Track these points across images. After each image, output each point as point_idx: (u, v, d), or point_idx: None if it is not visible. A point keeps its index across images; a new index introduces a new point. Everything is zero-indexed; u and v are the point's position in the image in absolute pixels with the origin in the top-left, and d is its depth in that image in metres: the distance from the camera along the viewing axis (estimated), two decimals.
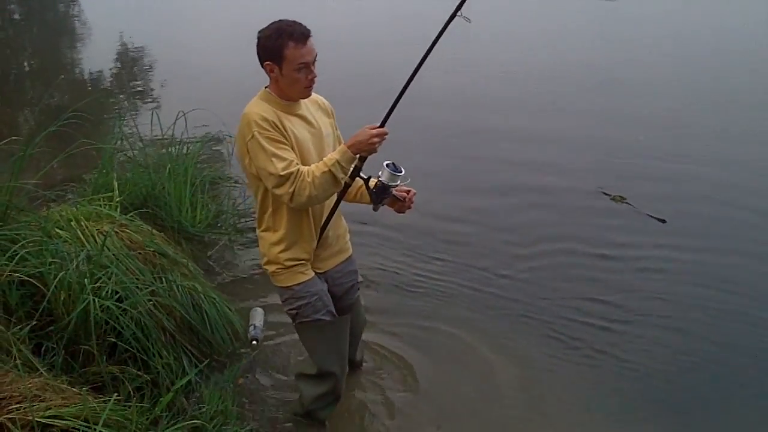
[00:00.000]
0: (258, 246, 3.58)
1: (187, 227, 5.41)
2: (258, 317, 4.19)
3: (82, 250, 4.03)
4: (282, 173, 3.13)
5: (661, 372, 4.36)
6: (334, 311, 3.61)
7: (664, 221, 6.19)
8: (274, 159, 3.14)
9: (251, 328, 4.09)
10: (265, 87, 3.32)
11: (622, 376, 4.33)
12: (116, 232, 4.36)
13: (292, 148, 3.23)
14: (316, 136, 3.37)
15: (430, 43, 3.16)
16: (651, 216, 6.26)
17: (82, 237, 4.23)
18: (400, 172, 3.32)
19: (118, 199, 4.97)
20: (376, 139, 3.19)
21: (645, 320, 4.84)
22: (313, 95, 3.42)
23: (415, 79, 3.19)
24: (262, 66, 3.25)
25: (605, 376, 4.33)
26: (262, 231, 3.47)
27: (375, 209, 3.47)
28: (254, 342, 4.03)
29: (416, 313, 4.91)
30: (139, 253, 4.31)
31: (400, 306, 5.01)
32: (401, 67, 3.50)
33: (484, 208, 6.48)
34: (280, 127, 3.20)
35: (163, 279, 4.19)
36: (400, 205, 3.52)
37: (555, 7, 14.61)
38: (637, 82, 10.28)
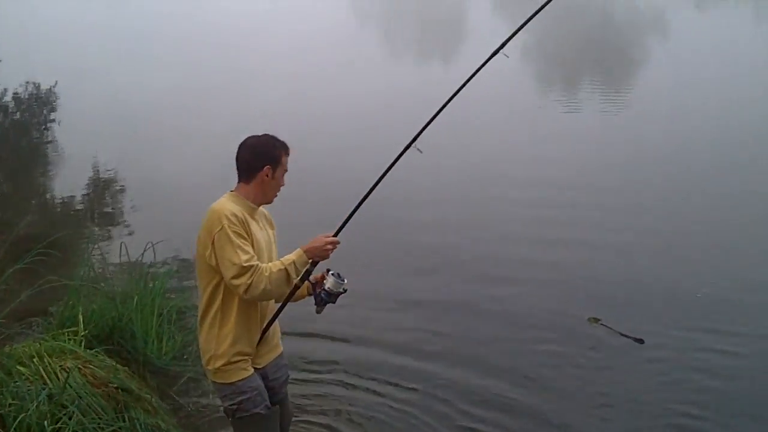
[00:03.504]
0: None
1: (153, 360, 5.37)
2: None
3: (44, 389, 3.99)
4: (244, 264, 3.41)
5: None
6: (269, 405, 3.76)
7: (641, 341, 6.23)
8: (238, 250, 3.43)
9: None
10: (231, 191, 3.67)
11: None
12: (79, 368, 4.34)
13: (252, 247, 3.52)
14: (266, 242, 3.70)
15: (384, 169, 3.70)
16: (627, 336, 6.30)
17: (44, 374, 4.21)
18: (344, 280, 3.67)
19: (82, 333, 4.96)
20: (329, 247, 3.61)
21: None
22: (263, 208, 3.80)
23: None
24: (258, 169, 3.61)
25: None
26: (208, 327, 3.63)
27: (318, 311, 3.75)
28: None
29: None
30: (102, 390, 4.28)
31: None
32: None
33: (453, 334, 6.48)
34: (246, 225, 3.53)
35: (126, 417, 4.14)
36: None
37: (514, 129, 15.01)
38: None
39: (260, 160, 3.63)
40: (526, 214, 9.45)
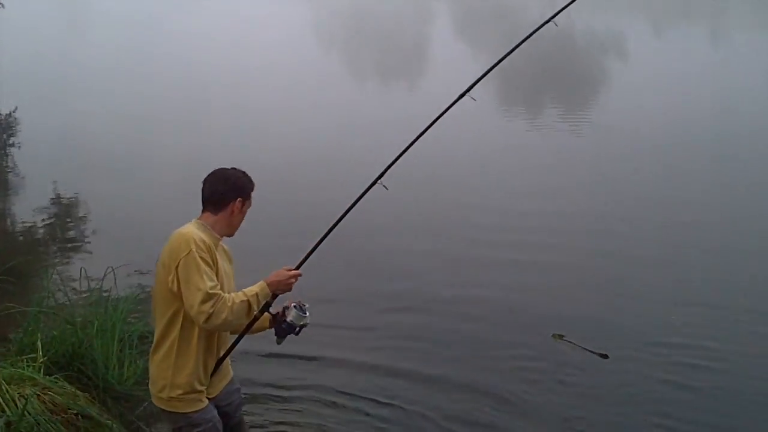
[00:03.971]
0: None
1: (113, 385, 5.32)
2: None
3: (1, 416, 3.95)
4: (209, 291, 3.39)
5: None
6: None
7: (606, 356, 6.30)
8: (205, 277, 3.42)
9: None
10: (197, 219, 3.67)
11: None
12: (38, 395, 4.31)
13: (217, 276, 3.53)
14: (227, 274, 3.71)
15: (350, 204, 3.78)
16: (591, 351, 6.37)
17: (2, 401, 4.16)
18: (306, 313, 3.72)
19: (41, 360, 4.91)
20: (292, 280, 3.65)
21: None
22: (221, 242, 3.78)
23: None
24: (229, 201, 3.66)
25: None
26: (164, 356, 3.58)
27: (278, 342, 3.81)
28: None
29: None
30: (62, 417, 4.24)
31: None
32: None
33: (420, 353, 6.53)
34: (213, 253, 3.54)
35: None
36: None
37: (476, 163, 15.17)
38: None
39: (233, 192, 3.67)
40: (488, 236, 9.57)
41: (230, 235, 3.76)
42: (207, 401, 3.68)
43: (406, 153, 3.87)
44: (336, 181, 10.35)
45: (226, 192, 3.66)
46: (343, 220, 3.84)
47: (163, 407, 3.66)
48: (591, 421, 5.46)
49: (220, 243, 3.75)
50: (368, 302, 7.65)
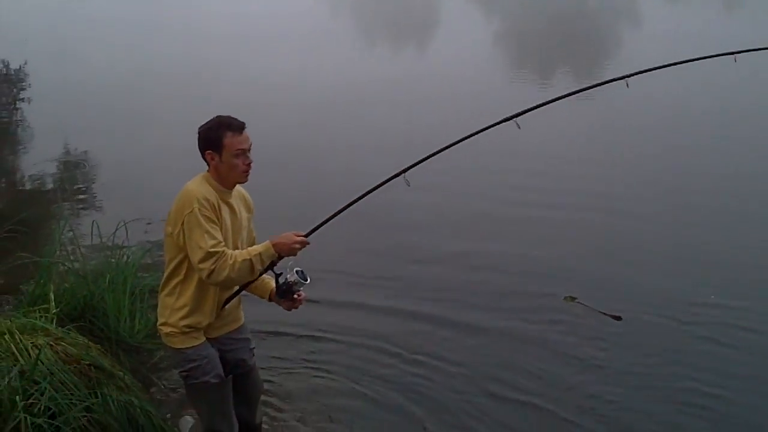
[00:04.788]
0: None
1: (125, 338, 5.35)
2: (188, 425, 4.46)
3: (15, 365, 3.97)
4: (210, 249, 3.48)
5: None
6: (222, 374, 3.86)
7: (619, 318, 6.28)
8: (206, 235, 3.50)
9: None
10: (206, 172, 3.71)
11: None
12: (51, 345, 4.31)
13: (221, 231, 3.59)
14: (235, 226, 3.77)
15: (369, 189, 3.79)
16: (604, 313, 6.35)
17: (15, 351, 4.18)
18: (306, 280, 3.76)
19: (54, 311, 4.93)
20: (297, 246, 3.65)
21: None
22: (241, 190, 3.88)
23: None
24: (203, 156, 3.68)
25: None
26: (166, 295, 3.76)
27: (276, 301, 3.89)
28: None
29: None
30: (75, 366, 4.25)
31: None
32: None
33: (431, 320, 6.45)
34: (217, 210, 3.60)
35: (98, 393, 4.12)
36: (289, 304, 3.87)
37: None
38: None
39: (202, 146, 3.68)
40: (500, 196, 9.57)
41: (240, 181, 3.75)
42: (204, 339, 3.80)
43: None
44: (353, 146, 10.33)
45: (199, 147, 3.69)
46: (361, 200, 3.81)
47: (164, 342, 3.87)
48: (604, 383, 5.39)
49: (238, 192, 3.83)
50: (381, 255, 7.73)
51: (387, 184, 3.82)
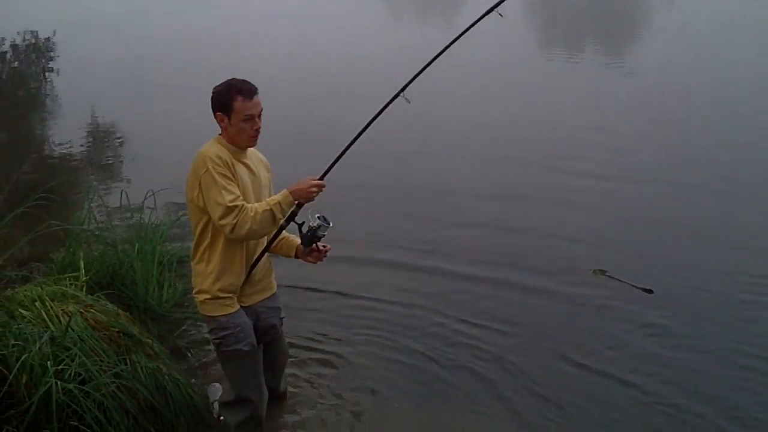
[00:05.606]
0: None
1: (153, 307, 5.39)
2: (217, 393, 4.45)
3: (46, 332, 4.01)
4: (229, 204, 3.54)
5: None
6: (254, 343, 3.94)
7: (651, 291, 6.19)
8: (223, 191, 3.56)
9: (215, 404, 4.35)
10: (219, 134, 3.78)
11: None
12: (81, 312, 4.35)
13: (238, 188, 3.65)
14: (255, 183, 3.82)
15: (372, 117, 3.78)
16: (635, 286, 6.27)
17: (46, 318, 4.22)
18: (329, 224, 3.80)
19: (84, 279, 4.97)
20: (314, 189, 3.70)
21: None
22: (257, 152, 3.94)
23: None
24: (215, 116, 3.73)
25: None
26: (197, 263, 3.82)
27: (305, 251, 3.90)
28: (221, 417, 4.20)
29: None
30: (104, 333, 4.29)
31: None
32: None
33: (459, 292, 6.36)
34: (231, 167, 3.65)
35: (128, 360, 4.16)
36: (316, 255, 3.93)
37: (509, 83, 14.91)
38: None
39: (214, 108, 3.72)
40: (526, 167, 9.54)
41: (248, 146, 3.78)
42: (237, 307, 3.86)
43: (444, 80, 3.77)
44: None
45: (212, 109, 3.74)
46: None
47: (199, 310, 3.93)
48: (634, 353, 5.30)
49: (253, 154, 3.90)
50: (402, 218, 7.78)
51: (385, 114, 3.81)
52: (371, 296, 6.08)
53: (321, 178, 3.74)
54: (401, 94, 3.83)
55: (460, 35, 3.87)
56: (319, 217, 3.80)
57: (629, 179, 8.88)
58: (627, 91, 13.92)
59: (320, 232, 3.81)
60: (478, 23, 3.90)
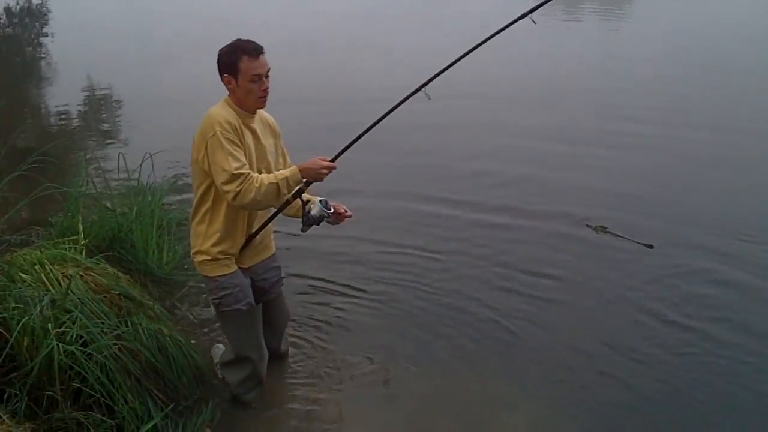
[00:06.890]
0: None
1: (153, 269, 5.39)
2: (219, 354, 4.49)
3: (46, 295, 4.01)
4: (234, 171, 3.49)
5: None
6: (253, 303, 3.98)
7: (651, 246, 6.21)
8: (230, 158, 3.51)
9: (218, 365, 4.40)
10: (227, 97, 3.72)
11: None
12: (81, 275, 4.34)
13: (244, 155, 3.60)
14: (260, 150, 3.77)
15: (392, 105, 3.74)
16: (636, 242, 6.29)
17: (46, 281, 4.20)
18: (330, 210, 3.78)
19: (83, 242, 4.94)
20: (324, 171, 3.64)
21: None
22: (266, 115, 3.90)
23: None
24: (222, 79, 3.67)
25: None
26: (197, 224, 3.83)
27: (303, 230, 3.83)
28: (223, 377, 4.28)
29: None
30: (105, 296, 4.29)
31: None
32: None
33: (459, 251, 6.35)
34: (240, 133, 3.61)
35: (129, 322, 4.16)
36: (336, 217, 3.87)
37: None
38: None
39: (220, 70, 3.66)
40: (524, 126, 9.55)
41: (257, 107, 3.73)
42: (236, 267, 3.89)
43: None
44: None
45: (218, 72, 3.68)
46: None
47: (197, 270, 3.94)
48: (635, 308, 5.33)
49: (262, 118, 3.86)
50: (408, 185, 7.75)
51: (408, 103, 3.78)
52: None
53: (333, 160, 3.68)
54: (423, 89, 3.76)
55: (490, 37, 3.80)
56: (321, 202, 3.76)
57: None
58: (621, 46, 13.82)
59: (318, 216, 3.75)
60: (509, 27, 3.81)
